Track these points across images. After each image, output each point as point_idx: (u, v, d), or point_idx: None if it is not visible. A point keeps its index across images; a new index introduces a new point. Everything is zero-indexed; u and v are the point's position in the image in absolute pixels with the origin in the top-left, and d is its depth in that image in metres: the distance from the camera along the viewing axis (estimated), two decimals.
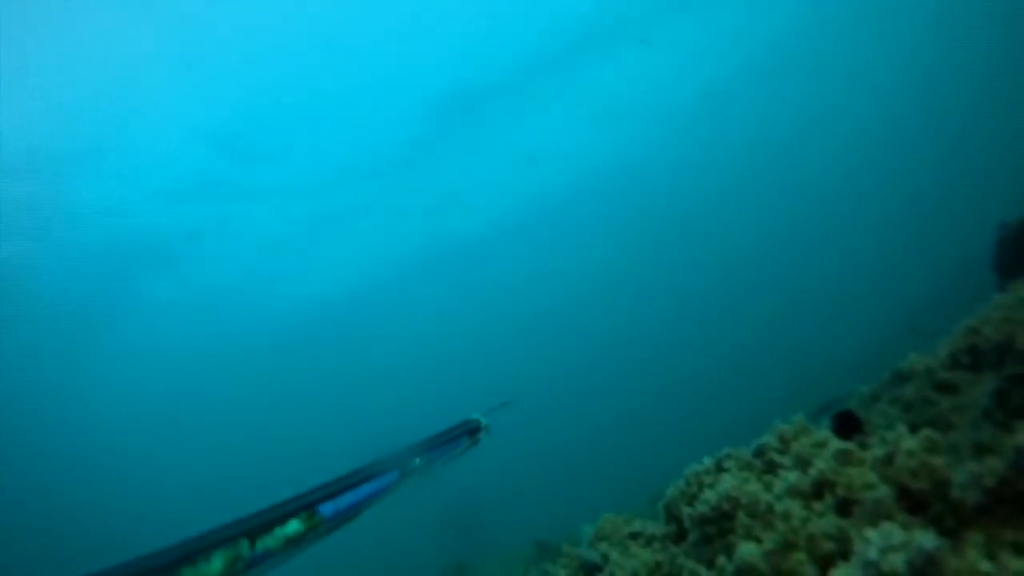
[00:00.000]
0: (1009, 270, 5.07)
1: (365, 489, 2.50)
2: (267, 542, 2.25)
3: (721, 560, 2.70)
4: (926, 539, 2.13)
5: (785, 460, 3.09)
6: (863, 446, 3.11)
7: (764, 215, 34.28)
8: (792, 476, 2.78)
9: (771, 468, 3.16)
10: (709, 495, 3.00)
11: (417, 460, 2.62)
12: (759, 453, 3.30)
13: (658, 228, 33.52)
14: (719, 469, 3.39)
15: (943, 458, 2.58)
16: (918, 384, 4.39)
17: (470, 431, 2.83)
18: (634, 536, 3.55)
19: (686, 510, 3.16)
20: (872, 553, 2.17)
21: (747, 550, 2.54)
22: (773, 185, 32.65)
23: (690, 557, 3.06)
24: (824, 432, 3.18)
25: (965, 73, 27.62)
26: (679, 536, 3.34)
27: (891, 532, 2.18)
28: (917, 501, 2.49)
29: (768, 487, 2.93)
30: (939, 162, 31.26)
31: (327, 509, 2.40)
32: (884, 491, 2.46)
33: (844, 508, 2.57)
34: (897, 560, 2.12)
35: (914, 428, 3.95)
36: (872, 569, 2.15)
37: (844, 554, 2.42)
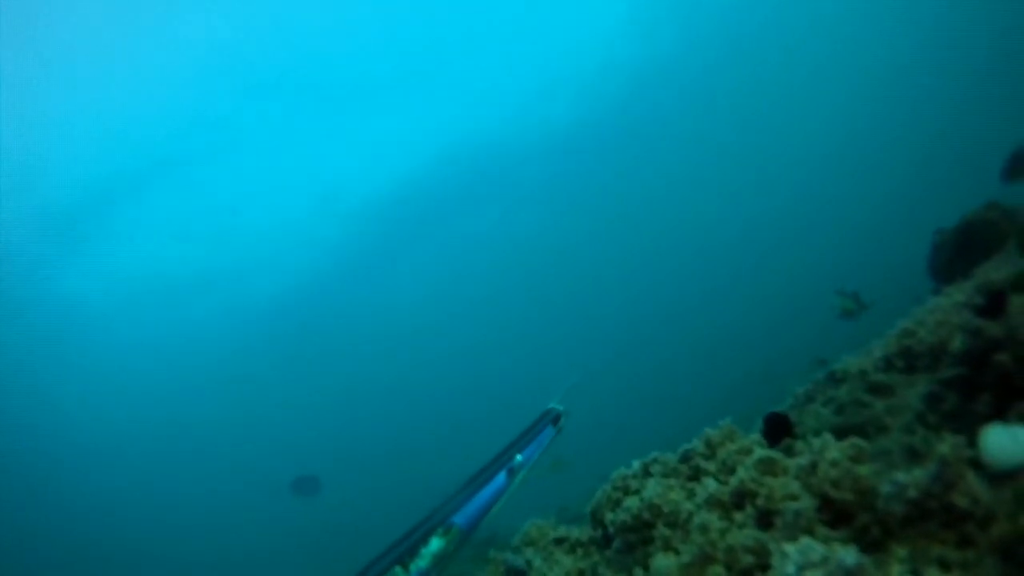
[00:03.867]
0: (944, 274, 4.94)
1: (484, 495, 2.67)
2: (419, 563, 2.52)
3: (638, 573, 2.47)
4: (846, 555, 1.92)
5: (711, 466, 2.87)
6: (790, 452, 2.91)
7: (717, 214, 33.80)
8: (712, 485, 2.55)
9: (697, 474, 2.94)
10: (630, 503, 2.78)
11: (519, 457, 2.74)
12: (686, 458, 3.08)
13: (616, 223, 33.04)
14: (646, 474, 3.17)
15: (869, 466, 2.37)
16: (852, 386, 4.21)
17: (553, 420, 2.93)
18: (559, 541, 3.31)
19: (609, 516, 2.94)
20: (790, 569, 1.95)
21: (662, 563, 2.31)
22: (722, 186, 32.29)
23: (612, 565, 2.83)
24: (751, 438, 2.97)
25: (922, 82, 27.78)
26: (605, 541, 3.12)
27: (810, 547, 1.97)
28: (841, 512, 2.28)
29: (691, 495, 2.71)
30: (889, 167, 31.35)
31: (459, 519, 2.60)
32: (806, 502, 2.24)
33: (765, 519, 2.35)
34: None
35: (846, 432, 3.77)
36: None
37: (763, 567, 2.20)
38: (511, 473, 2.69)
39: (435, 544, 2.54)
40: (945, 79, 26.43)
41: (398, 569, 2.48)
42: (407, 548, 2.50)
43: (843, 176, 31.94)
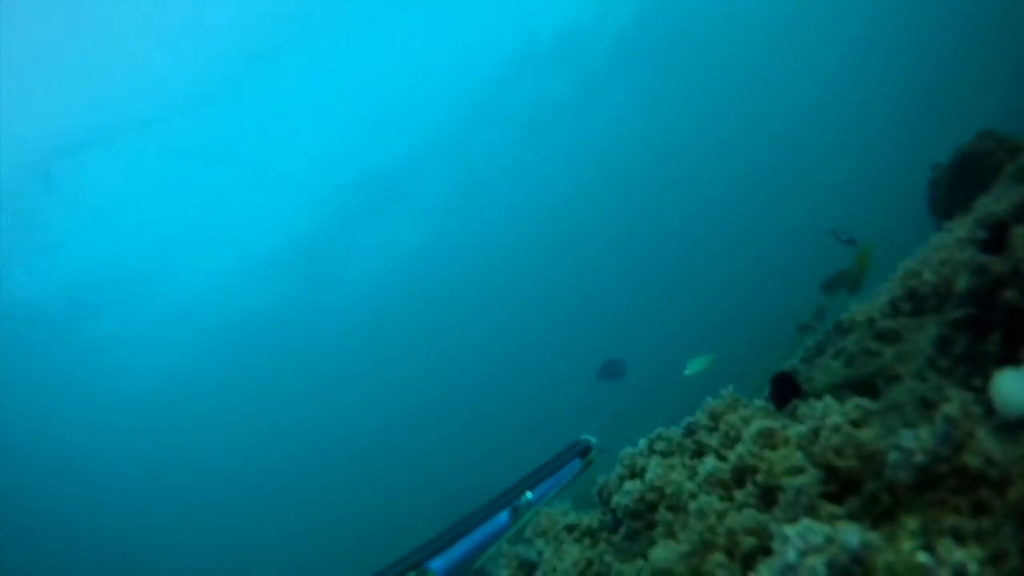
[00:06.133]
0: (944, 210, 4.67)
1: (476, 536, 2.31)
2: None
3: (639, 563, 2.29)
4: (850, 536, 1.72)
5: (713, 440, 2.67)
6: (795, 415, 2.70)
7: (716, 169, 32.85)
8: (711, 463, 2.35)
9: (702, 449, 2.75)
10: (630, 486, 2.60)
11: (528, 494, 2.43)
12: (690, 432, 2.89)
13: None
14: (652, 452, 2.98)
15: (873, 429, 2.16)
16: (860, 335, 3.96)
17: (581, 452, 2.58)
18: (570, 529, 3.13)
19: (613, 500, 2.76)
20: (791, 555, 1.76)
21: (661, 553, 2.12)
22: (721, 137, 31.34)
23: (619, 554, 2.66)
24: (755, 405, 2.77)
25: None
26: (614, 526, 2.94)
27: (811, 529, 1.77)
28: (848, 481, 2.08)
29: (694, 474, 2.52)
30: (884, 104, 30.39)
31: (437, 564, 2.21)
32: (808, 477, 2.05)
33: (768, 496, 2.16)
34: (817, 563, 1.71)
35: (856, 384, 3.54)
36: (791, 574, 1.74)
37: (767, 550, 2.01)
38: (515, 512, 2.28)
39: None
40: (941, 10, 25.56)
41: None
42: None
43: (838, 117, 31.06)
